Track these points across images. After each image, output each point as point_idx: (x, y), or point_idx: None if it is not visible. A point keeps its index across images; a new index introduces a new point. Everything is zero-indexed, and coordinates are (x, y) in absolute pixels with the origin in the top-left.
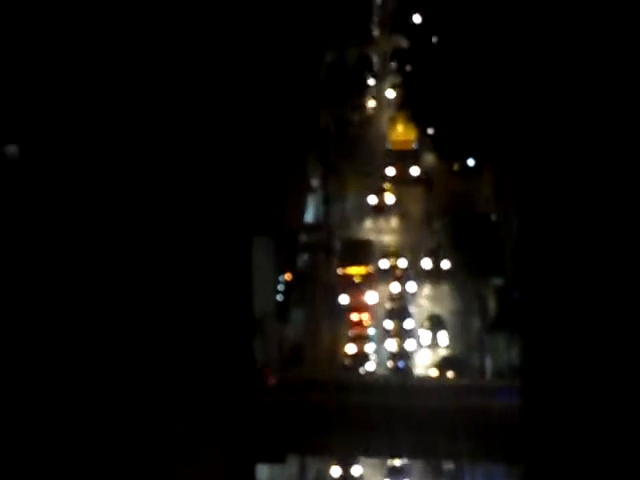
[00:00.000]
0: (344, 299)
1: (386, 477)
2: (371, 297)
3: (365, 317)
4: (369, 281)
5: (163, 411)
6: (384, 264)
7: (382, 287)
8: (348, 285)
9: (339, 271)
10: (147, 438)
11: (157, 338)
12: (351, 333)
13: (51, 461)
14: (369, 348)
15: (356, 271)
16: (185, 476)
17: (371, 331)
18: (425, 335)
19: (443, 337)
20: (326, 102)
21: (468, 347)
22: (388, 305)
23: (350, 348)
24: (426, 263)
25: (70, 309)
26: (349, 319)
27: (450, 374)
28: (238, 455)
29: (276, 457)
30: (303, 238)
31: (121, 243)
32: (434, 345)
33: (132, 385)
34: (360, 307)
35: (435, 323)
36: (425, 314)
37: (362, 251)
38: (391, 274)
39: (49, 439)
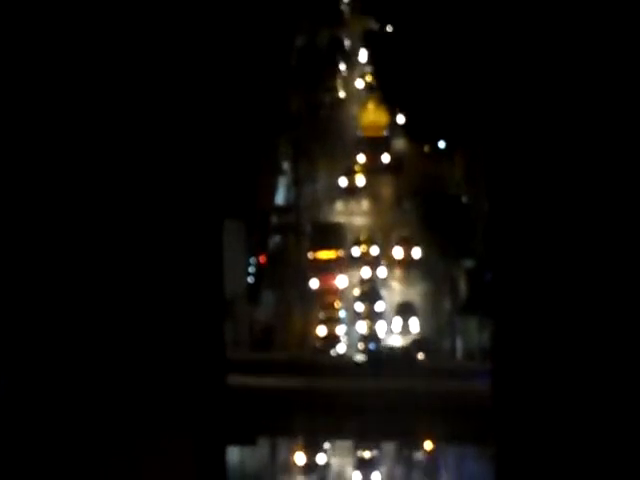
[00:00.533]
0: (314, 283)
1: (356, 469)
2: (341, 280)
3: (336, 300)
4: (339, 265)
5: (131, 395)
6: (355, 251)
7: (353, 272)
8: (319, 269)
9: (309, 255)
10: (115, 422)
11: (126, 321)
12: (322, 315)
13: (18, 448)
14: (340, 330)
15: (326, 255)
16: (154, 460)
17: (342, 313)
18: (396, 322)
19: (414, 323)
20: (297, 85)
21: (439, 329)
22: (359, 288)
23: (321, 330)
24: (397, 252)
25: (37, 295)
26: (320, 301)
27: (420, 356)
28: (208, 438)
29: (247, 440)
30: (274, 220)
31: (87, 224)
32: (405, 332)
33: (100, 369)
34: (330, 290)
35: (406, 310)
36: (396, 297)
37: (333, 235)
38: (362, 259)
39: (16, 427)
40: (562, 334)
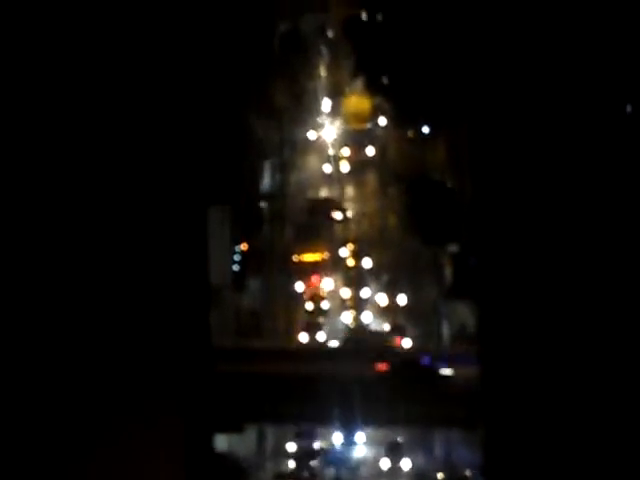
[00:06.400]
0: (299, 286)
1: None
2: (327, 283)
3: (321, 293)
4: (324, 267)
5: (119, 383)
6: (343, 252)
7: (338, 274)
8: (303, 271)
9: (294, 258)
10: (102, 411)
11: (113, 309)
12: (308, 306)
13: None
14: (324, 319)
15: (311, 258)
16: (143, 448)
17: (325, 305)
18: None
19: (402, 300)
20: (280, 71)
21: (425, 314)
22: (344, 276)
23: (306, 318)
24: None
25: (26, 285)
26: (305, 293)
27: (405, 342)
28: (196, 426)
29: (234, 427)
30: (259, 207)
31: (72, 213)
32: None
33: (88, 357)
34: (316, 286)
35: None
36: (383, 282)
37: (317, 236)
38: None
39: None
40: (547, 317)
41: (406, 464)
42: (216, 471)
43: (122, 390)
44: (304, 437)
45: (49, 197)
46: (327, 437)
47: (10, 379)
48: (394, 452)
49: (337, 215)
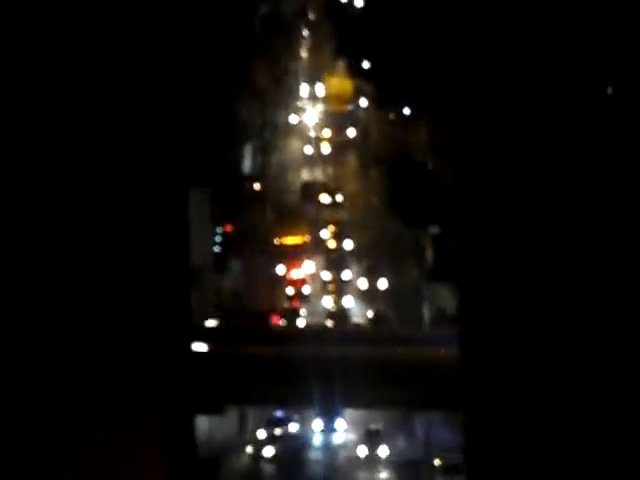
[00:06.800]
0: (281, 269)
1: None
2: (308, 266)
3: (301, 274)
4: (306, 250)
5: (99, 365)
6: (324, 234)
7: (319, 257)
8: (285, 254)
9: (275, 241)
10: (82, 392)
11: (94, 291)
12: (288, 290)
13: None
14: (305, 302)
15: (292, 241)
16: (123, 430)
17: (306, 290)
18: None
19: (382, 284)
20: (260, 50)
21: (406, 296)
22: (325, 260)
23: (287, 299)
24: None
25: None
26: (286, 277)
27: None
28: (177, 407)
29: (214, 408)
30: (240, 189)
31: (51, 196)
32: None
33: (69, 338)
34: (296, 269)
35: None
36: (363, 265)
37: (298, 219)
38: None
39: None
40: (529, 300)
41: (383, 451)
42: (196, 454)
43: (101, 372)
44: (276, 424)
45: (26, 179)
46: (306, 424)
47: None
48: (372, 439)
49: (325, 199)
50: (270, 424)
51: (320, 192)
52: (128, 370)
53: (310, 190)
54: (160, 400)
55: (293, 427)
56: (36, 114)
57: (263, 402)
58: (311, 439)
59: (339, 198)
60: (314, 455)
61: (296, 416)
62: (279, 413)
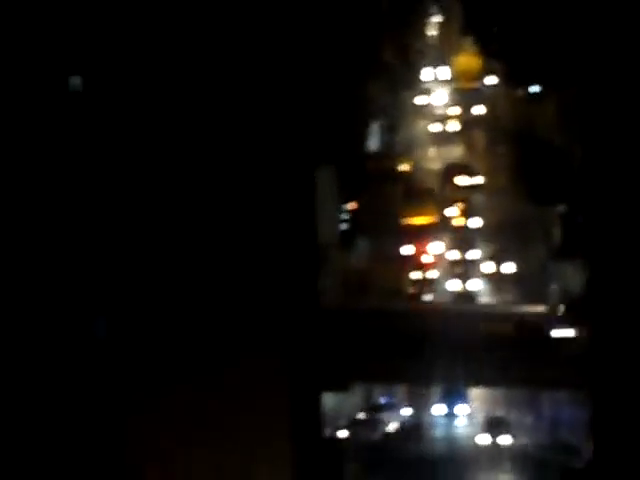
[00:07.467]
0: (408, 249)
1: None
2: (436, 247)
3: (430, 259)
4: (434, 230)
5: (229, 344)
6: (451, 211)
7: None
8: (413, 234)
9: (403, 221)
10: (211, 370)
11: (227, 269)
12: (414, 275)
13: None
14: (432, 275)
15: (420, 221)
16: (251, 409)
17: (433, 274)
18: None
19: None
20: (388, 29)
21: (533, 275)
22: (452, 239)
23: (414, 276)
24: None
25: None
26: (413, 259)
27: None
28: (303, 385)
29: (340, 385)
30: (367, 166)
31: (189, 175)
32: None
33: (200, 318)
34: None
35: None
36: (490, 247)
37: (426, 199)
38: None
39: (116, 367)
40: None
41: (506, 440)
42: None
43: (232, 349)
44: (377, 409)
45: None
46: (422, 409)
47: (121, 333)
48: (495, 427)
49: (465, 181)
50: (371, 410)
51: (461, 174)
52: (256, 349)
53: (452, 173)
54: (287, 377)
55: (406, 411)
56: (171, 99)
57: (387, 379)
58: (428, 424)
59: (479, 180)
60: (428, 443)
61: (405, 402)
62: (383, 399)
